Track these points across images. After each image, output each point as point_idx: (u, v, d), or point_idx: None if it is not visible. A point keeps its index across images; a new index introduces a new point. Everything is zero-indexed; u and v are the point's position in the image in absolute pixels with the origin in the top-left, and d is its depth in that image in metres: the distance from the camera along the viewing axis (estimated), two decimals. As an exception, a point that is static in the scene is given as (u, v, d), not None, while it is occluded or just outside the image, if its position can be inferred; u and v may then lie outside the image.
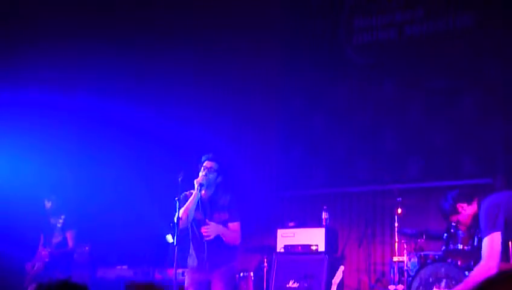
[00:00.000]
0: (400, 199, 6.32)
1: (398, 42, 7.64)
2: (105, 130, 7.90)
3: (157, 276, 7.05)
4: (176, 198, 5.20)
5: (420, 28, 7.51)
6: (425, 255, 5.92)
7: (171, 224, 5.34)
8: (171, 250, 5.30)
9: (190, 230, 5.26)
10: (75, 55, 7.73)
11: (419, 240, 6.15)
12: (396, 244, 6.32)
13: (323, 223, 6.83)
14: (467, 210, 4.36)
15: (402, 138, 7.39)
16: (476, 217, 4.29)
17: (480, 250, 4.14)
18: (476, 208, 4.30)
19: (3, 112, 7.37)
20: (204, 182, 5.10)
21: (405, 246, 6.21)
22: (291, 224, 6.97)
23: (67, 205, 6.77)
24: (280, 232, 6.88)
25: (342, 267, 6.14)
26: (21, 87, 7.54)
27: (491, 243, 4.00)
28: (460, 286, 4.19)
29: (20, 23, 7.64)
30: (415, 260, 5.98)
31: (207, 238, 5.13)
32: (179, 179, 5.22)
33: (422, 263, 5.81)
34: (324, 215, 6.84)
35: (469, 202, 4.35)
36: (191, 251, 5.29)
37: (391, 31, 7.70)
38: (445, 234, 5.63)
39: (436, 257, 5.76)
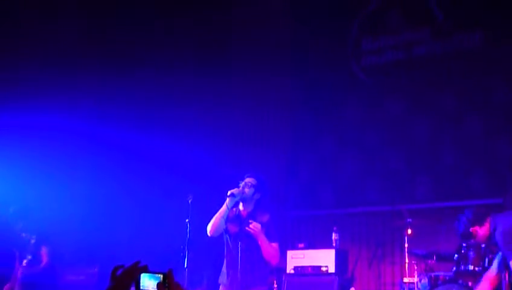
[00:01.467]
0: (410, 219, 6.31)
1: (406, 62, 7.68)
2: (95, 150, 7.89)
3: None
4: (187, 220, 5.25)
5: (427, 48, 7.54)
6: (435, 276, 5.90)
7: (182, 246, 5.36)
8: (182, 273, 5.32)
9: (225, 245, 5.26)
10: (56, 72, 7.74)
11: (429, 261, 6.14)
12: (406, 265, 6.30)
13: (333, 244, 6.82)
14: (479, 232, 4.50)
15: (411, 158, 7.39)
16: (490, 236, 4.34)
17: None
18: (488, 227, 4.33)
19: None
20: (237, 193, 5.11)
21: (415, 267, 6.20)
22: (301, 245, 6.96)
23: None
24: (290, 253, 6.86)
25: (352, 289, 6.14)
26: None
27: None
28: None
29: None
30: (425, 281, 5.96)
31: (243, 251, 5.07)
32: (189, 201, 5.26)
33: (433, 284, 5.79)
34: (334, 236, 6.82)
35: (480, 224, 4.48)
36: (224, 267, 5.25)
37: (399, 52, 7.74)
38: (456, 255, 5.62)
39: (447, 277, 5.74)
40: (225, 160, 8.09)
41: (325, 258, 6.64)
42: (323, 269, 6.61)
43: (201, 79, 8.38)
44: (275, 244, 5.15)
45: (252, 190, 5.18)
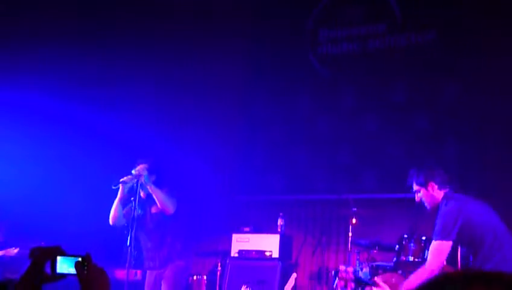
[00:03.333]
0: (355, 209, 6.40)
1: (361, 55, 7.76)
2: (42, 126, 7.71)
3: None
4: (132, 198, 5.32)
5: (383, 42, 7.64)
6: (377, 265, 6.01)
7: (126, 224, 5.43)
8: (125, 250, 5.34)
9: (137, 231, 5.37)
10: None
11: (371, 251, 6.24)
12: (349, 253, 6.40)
13: (279, 230, 6.87)
14: (433, 192, 4.47)
15: (360, 150, 7.49)
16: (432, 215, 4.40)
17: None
18: (440, 198, 4.41)
19: None
20: (129, 180, 5.27)
21: (357, 256, 6.30)
22: (246, 229, 7.00)
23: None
24: (235, 237, 6.90)
25: (294, 275, 6.21)
26: None
27: (440, 249, 4.25)
28: (404, 285, 4.43)
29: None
30: (367, 270, 6.07)
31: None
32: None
33: (374, 273, 5.90)
34: (280, 221, 6.89)
35: (440, 188, 4.46)
36: (141, 252, 5.44)
37: (355, 44, 7.81)
38: (397, 246, 5.73)
39: (388, 267, 5.85)
40: (175, 144, 8.04)
41: (269, 243, 6.70)
42: (267, 253, 6.67)
43: (151, 62, 8.29)
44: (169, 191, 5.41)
45: (146, 173, 5.31)
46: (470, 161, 6.77)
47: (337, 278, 5.37)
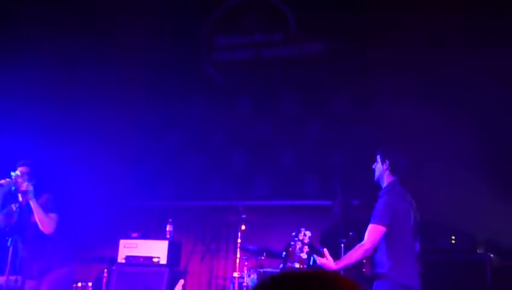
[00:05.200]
0: (245, 215, 6.43)
1: (255, 63, 7.84)
2: None
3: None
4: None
5: (276, 51, 7.76)
6: (264, 272, 6.06)
7: (7, 229, 5.20)
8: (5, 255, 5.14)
9: (14, 237, 5.19)
10: None
11: (260, 257, 6.30)
12: (238, 260, 6.41)
13: (167, 236, 6.80)
14: (377, 163, 4.83)
15: (251, 157, 7.57)
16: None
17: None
18: (387, 181, 4.72)
19: None
20: (5, 184, 5.10)
21: (246, 263, 6.33)
22: (134, 235, 6.87)
23: None
24: (122, 242, 6.76)
25: (181, 281, 6.15)
26: None
27: (375, 232, 4.53)
28: (343, 260, 4.67)
29: None
30: (254, 276, 6.11)
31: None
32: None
33: (261, 279, 5.94)
34: (168, 227, 6.82)
35: (382, 161, 4.79)
36: (19, 259, 5.25)
37: (249, 52, 7.88)
38: (284, 253, 5.81)
39: (274, 274, 5.91)
40: (63, 149, 7.77)
41: (157, 249, 6.61)
42: (155, 259, 6.57)
43: (34, 66, 8.02)
44: (52, 215, 5.22)
45: (26, 177, 5.17)
46: (356, 168, 7.00)
47: (296, 240, 5.38)
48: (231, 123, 7.76)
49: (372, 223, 4.58)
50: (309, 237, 5.07)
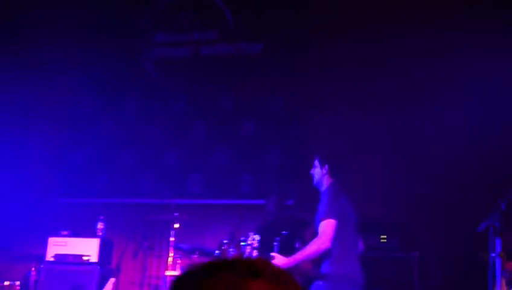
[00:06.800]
0: (178, 214, 6.39)
1: (193, 60, 7.80)
2: None
3: None
4: None
5: (214, 49, 7.75)
6: (196, 270, 6.02)
7: None
8: None
9: None
10: None
11: (193, 256, 6.26)
12: (171, 258, 6.36)
13: (99, 233, 6.67)
14: (316, 169, 4.97)
15: (185, 155, 7.53)
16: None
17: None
18: (326, 183, 4.84)
19: None
20: None
21: (179, 261, 6.28)
22: (64, 233, 6.71)
23: None
24: (51, 240, 6.59)
25: (112, 279, 6.06)
26: None
27: (327, 226, 4.60)
28: (297, 254, 4.73)
29: None
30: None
31: None
32: None
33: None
34: (99, 225, 6.69)
35: (321, 166, 4.94)
36: None
37: (188, 49, 7.84)
38: (217, 251, 5.81)
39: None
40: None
41: (88, 247, 6.48)
42: (85, 258, 6.44)
43: None
44: None
45: None
46: (289, 169, 7.09)
47: (244, 243, 5.37)
48: (167, 121, 7.70)
49: (323, 219, 4.65)
50: (258, 241, 5.12)
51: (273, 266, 1.27)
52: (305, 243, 5.21)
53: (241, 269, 1.24)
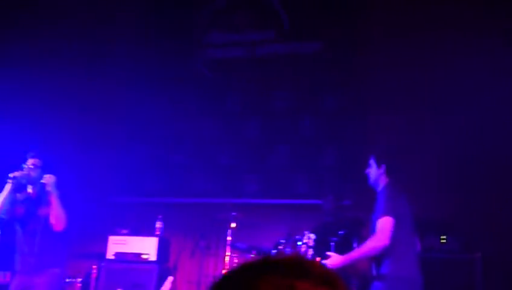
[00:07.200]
0: (235, 213, 6.42)
1: (248, 61, 7.82)
2: None
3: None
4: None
5: (270, 49, 7.75)
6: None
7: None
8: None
9: (15, 230, 5.09)
10: None
11: (249, 255, 6.28)
12: (227, 257, 6.40)
13: (157, 233, 6.77)
14: (372, 169, 4.89)
15: (241, 154, 7.55)
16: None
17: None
18: (383, 182, 4.76)
19: None
20: (20, 177, 4.99)
21: (235, 260, 6.31)
22: (124, 231, 6.83)
23: None
24: (112, 239, 6.72)
25: (170, 278, 6.13)
26: None
27: (385, 223, 4.52)
28: (353, 252, 4.71)
29: None
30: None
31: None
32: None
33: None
34: (158, 224, 6.78)
35: (377, 166, 4.86)
36: (17, 254, 5.12)
37: (243, 49, 7.86)
38: (274, 251, 5.81)
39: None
40: (53, 141, 7.73)
41: (147, 246, 6.57)
42: (144, 256, 6.54)
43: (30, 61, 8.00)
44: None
45: (38, 171, 5.09)
46: (347, 168, 7.02)
47: (300, 243, 5.40)
48: (221, 120, 7.74)
49: (380, 217, 4.58)
50: (313, 240, 5.09)
51: (321, 266, 1.26)
52: (362, 242, 5.15)
53: (288, 270, 1.23)
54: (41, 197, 5.12)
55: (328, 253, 4.86)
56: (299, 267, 1.24)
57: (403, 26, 7.23)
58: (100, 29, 8.23)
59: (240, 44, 7.89)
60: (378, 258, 4.64)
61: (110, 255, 6.65)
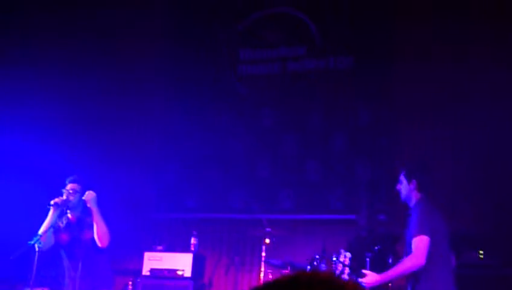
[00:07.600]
0: (269, 229, 6.42)
1: (280, 76, 7.86)
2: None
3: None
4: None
5: (302, 65, 7.77)
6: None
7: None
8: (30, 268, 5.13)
9: (60, 256, 5.18)
10: None
11: (284, 271, 6.26)
12: (262, 274, 6.39)
13: (192, 249, 6.80)
14: (403, 185, 4.84)
15: (276, 170, 7.56)
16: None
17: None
18: (415, 198, 4.74)
19: None
20: (61, 203, 5.05)
21: (270, 276, 6.30)
22: (159, 248, 6.88)
23: None
24: (147, 255, 6.77)
25: (206, 294, 6.13)
26: None
27: (421, 242, 4.50)
28: (390, 271, 4.68)
29: None
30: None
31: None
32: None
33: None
34: (193, 240, 6.82)
35: (408, 181, 4.81)
36: (66, 278, 5.21)
37: (275, 66, 7.90)
38: (309, 267, 5.78)
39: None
40: (87, 159, 7.86)
41: (182, 262, 6.61)
42: (179, 272, 6.57)
43: (63, 76, 8.18)
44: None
45: (78, 195, 5.13)
46: (381, 182, 6.97)
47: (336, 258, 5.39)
48: (255, 135, 7.77)
49: (415, 235, 4.55)
50: (349, 259, 5.06)
51: (355, 287, 1.24)
52: (397, 258, 5.10)
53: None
54: (82, 222, 5.17)
55: (364, 271, 4.83)
56: (332, 287, 1.23)
57: (435, 40, 7.18)
58: (134, 47, 8.34)
59: (272, 60, 7.92)
60: (414, 275, 4.60)
61: (145, 271, 6.70)
